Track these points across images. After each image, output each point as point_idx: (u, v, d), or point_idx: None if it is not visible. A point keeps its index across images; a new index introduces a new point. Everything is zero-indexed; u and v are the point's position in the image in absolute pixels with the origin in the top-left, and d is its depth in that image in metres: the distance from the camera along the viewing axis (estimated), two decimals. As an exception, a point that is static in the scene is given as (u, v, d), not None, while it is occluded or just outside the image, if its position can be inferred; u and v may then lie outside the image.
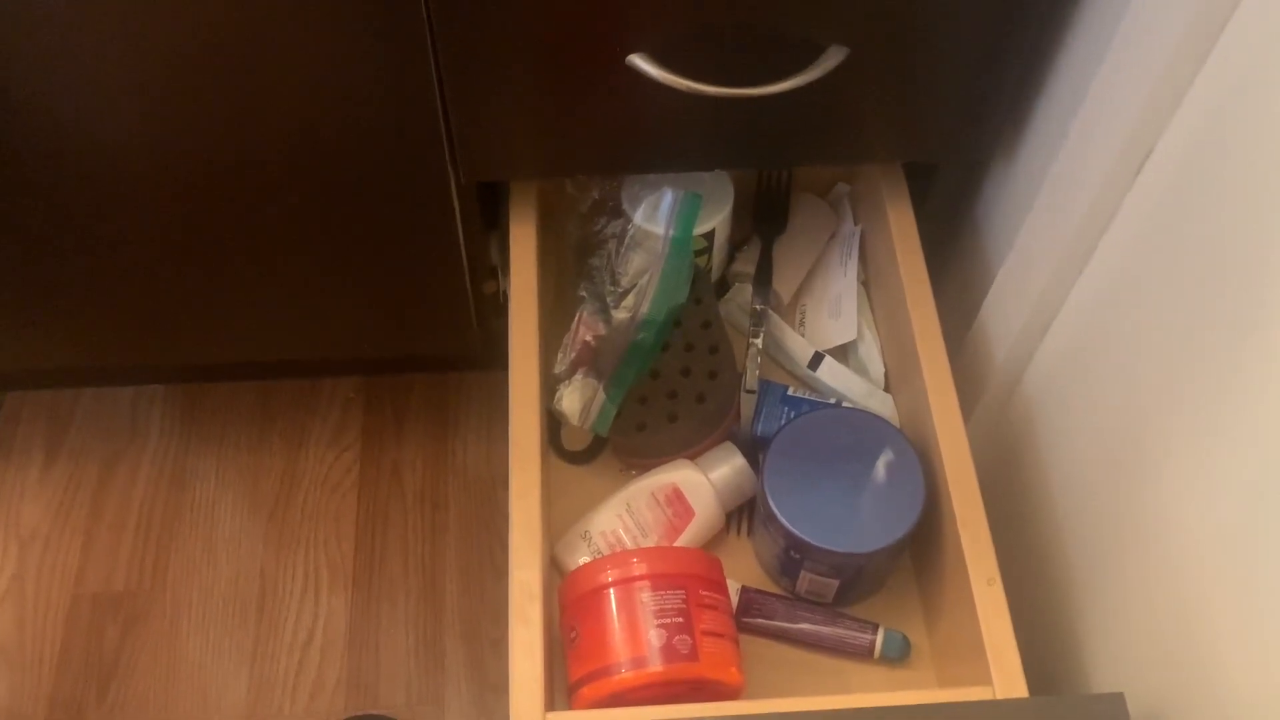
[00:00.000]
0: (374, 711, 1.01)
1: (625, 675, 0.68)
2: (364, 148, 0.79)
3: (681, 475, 0.80)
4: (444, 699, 1.02)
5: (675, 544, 0.79)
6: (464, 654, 1.04)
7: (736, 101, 0.71)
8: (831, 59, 0.70)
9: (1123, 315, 0.68)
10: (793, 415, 0.83)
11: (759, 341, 0.85)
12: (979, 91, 0.76)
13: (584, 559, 0.78)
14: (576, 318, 0.85)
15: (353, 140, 0.78)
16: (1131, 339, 0.67)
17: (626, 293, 0.83)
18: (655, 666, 0.68)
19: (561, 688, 0.72)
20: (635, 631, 0.69)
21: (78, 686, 1.02)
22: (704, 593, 0.71)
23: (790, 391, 0.85)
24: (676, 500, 0.80)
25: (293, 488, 1.13)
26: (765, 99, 0.71)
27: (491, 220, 0.90)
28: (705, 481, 0.80)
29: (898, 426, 0.80)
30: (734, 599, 0.78)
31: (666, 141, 0.79)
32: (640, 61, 0.70)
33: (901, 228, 0.84)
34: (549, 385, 0.83)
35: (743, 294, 0.90)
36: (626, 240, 0.85)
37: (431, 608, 1.06)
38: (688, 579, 0.71)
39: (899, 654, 0.77)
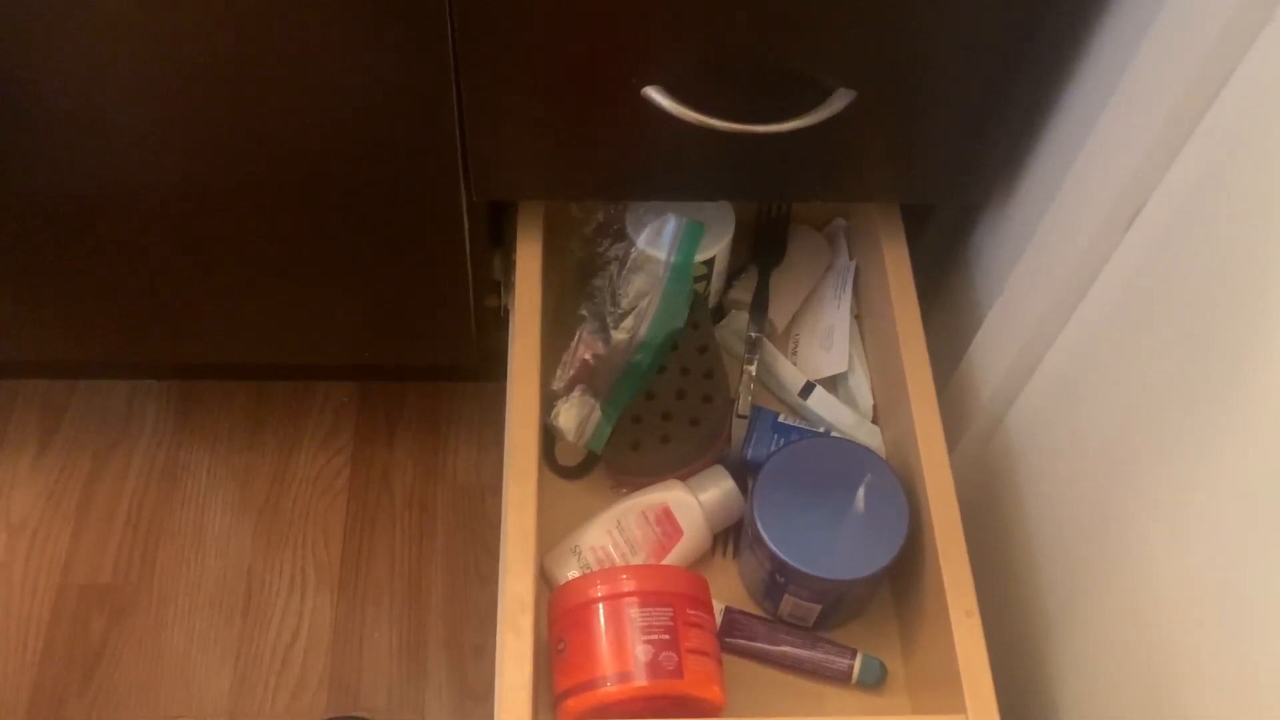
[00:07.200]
0: (354, 713, 1.02)
1: (610, 689, 0.70)
2: (381, 162, 0.80)
3: (672, 495, 0.82)
4: (424, 704, 1.03)
5: (663, 562, 0.81)
6: (446, 660, 1.05)
7: (744, 137, 0.73)
8: (838, 101, 0.73)
9: (1107, 362, 0.70)
10: (782, 442, 0.85)
11: (753, 368, 0.87)
12: (978, 140, 0.78)
13: (573, 573, 0.80)
14: (576, 336, 0.87)
15: (370, 154, 0.80)
16: (1115, 386, 0.69)
17: (626, 314, 0.85)
18: (640, 681, 0.70)
19: (545, 699, 0.74)
20: (622, 646, 0.71)
21: (61, 676, 1.03)
22: (690, 611, 0.73)
23: (781, 418, 0.87)
24: (666, 519, 0.82)
25: (283, 488, 1.14)
26: (772, 136, 0.73)
27: (497, 237, 0.92)
28: (695, 503, 0.82)
29: (884, 458, 0.82)
30: (718, 619, 0.79)
31: (673, 171, 0.81)
32: (655, 94, 0.72)
33: (895, 264, 0.86)
34: (547, 400, 0.85)
35: (739, 321, 0.92)
36: (628, 263, 0.87)
37: (415, 612, 1.08)
38: (675, 597, 0.73)
39: (876, 680, 0.79)
